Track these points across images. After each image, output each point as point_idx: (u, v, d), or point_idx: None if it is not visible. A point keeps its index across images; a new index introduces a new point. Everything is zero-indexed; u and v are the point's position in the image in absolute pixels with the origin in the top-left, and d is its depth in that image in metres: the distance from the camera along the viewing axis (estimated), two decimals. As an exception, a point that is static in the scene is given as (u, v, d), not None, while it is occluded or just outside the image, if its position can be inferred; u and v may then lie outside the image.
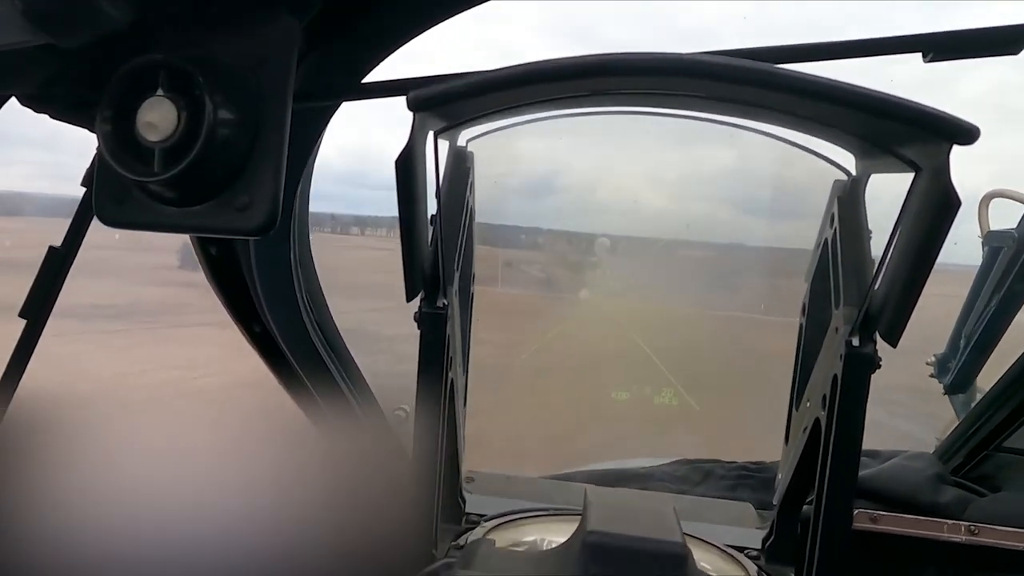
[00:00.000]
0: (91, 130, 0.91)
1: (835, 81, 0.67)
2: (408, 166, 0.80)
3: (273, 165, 0.80)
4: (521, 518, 1.20)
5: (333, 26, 0.98)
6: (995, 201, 1.61)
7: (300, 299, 1.38)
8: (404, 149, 0.80)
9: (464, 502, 1.26)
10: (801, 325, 1.14)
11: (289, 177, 1.15)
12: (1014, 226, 1.55)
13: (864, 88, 0.68)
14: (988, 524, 1.31)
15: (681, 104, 0.85)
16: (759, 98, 0.75)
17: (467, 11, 0.98)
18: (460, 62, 1.02)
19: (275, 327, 1.39)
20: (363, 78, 1.02)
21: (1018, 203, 1.53)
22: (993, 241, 1.60)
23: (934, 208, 0.74)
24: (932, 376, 1.93)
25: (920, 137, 0.73)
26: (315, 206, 1.34)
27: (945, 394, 1.88)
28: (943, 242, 0.75)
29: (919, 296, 0.79)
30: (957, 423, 1.80)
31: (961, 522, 1.28)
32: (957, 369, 1.78)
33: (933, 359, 1.91)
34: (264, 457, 0.44)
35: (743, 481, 1.67)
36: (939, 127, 0.68)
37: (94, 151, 0.98)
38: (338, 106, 1.09)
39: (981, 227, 1.64)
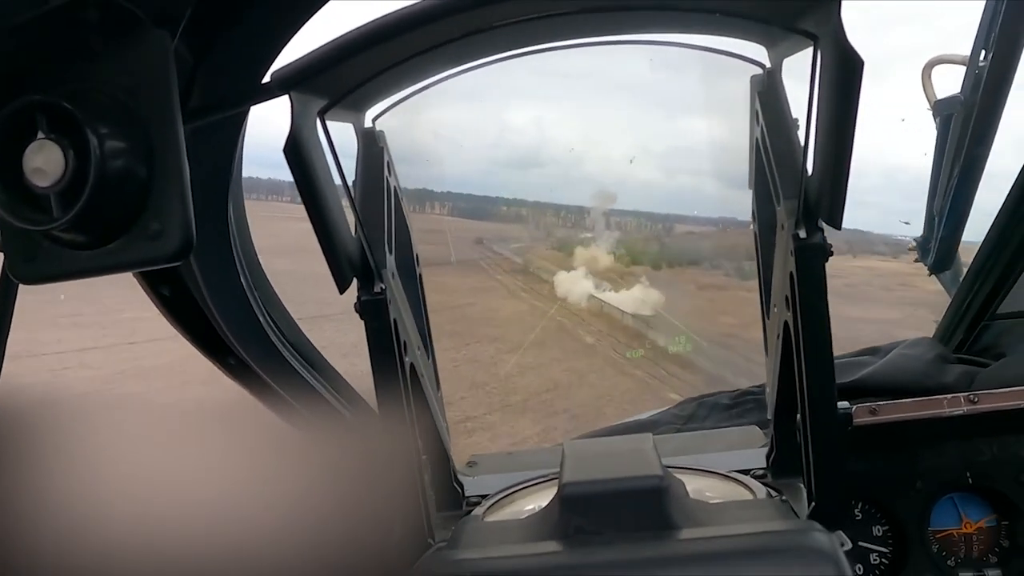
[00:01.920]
0: None
1: None
2: (298, 154, 0.77)
3: (177, 186, 0.78)
4: (519, 490, 1.18)
5: (216, 31, 0.94)
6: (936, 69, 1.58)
7: (264, 322, 1.36)
8: (288, 137, 0.77)
9: (462, 486, 1.24)
10: (754, 233, 1.12)
11: (214, 196, 1.13)
12: (958, 91, 1.52)
13: None
14: (987, 390, 1.29)
15: (577, 28, 0.82)
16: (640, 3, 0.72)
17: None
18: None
19: (247, 355, 1.36)
20: (263, 78, 0.99)
21: (959, 66, 1.50)
22: (943, 109, 1.57)
23: (839, 73, 0.72)
24: (916, 261, 1.91)
25: (810, 6, 0.71)
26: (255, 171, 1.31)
27: (930, 274, 1.86)
28: (857, 105, 0.72)
29: (849, 171, 0.76)
30: (950, 301, 1.79)
31: (960, 394, 1.26)
32: (936, 247, 1.76)
33: (913, 243, 1.89)
34: (256, 466, 0.43)
35: (746, 405, 1.65)
36: None
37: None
38: (246, 113, 1.06)
39: (928, 98, 1.61)
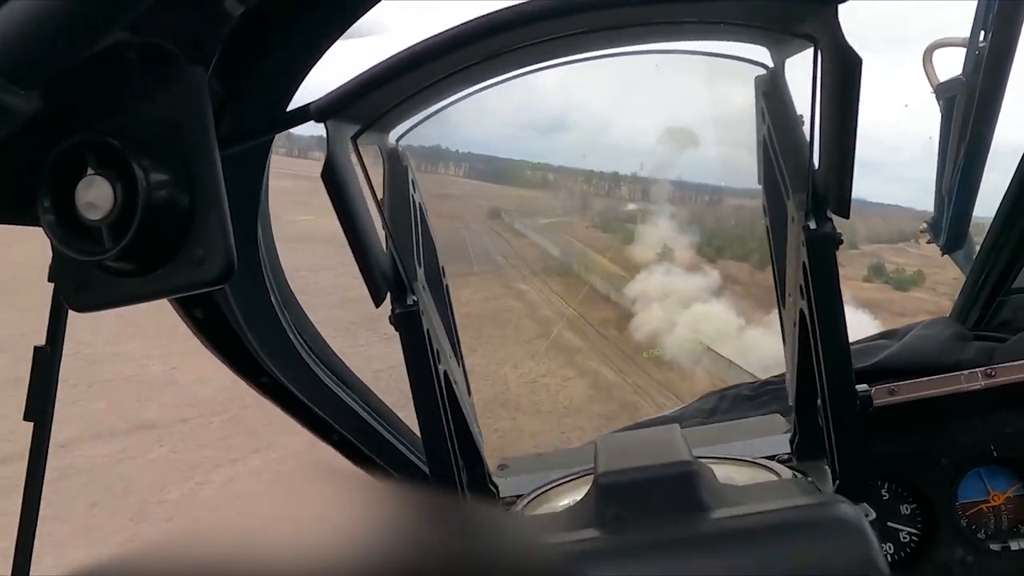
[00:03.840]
0: (34, 225, 0.94)
1: None
2: (335, 178, 0.81)
3: (217, 213, 0.82)
4: (553, 487, 1.21)
5: (243, 63, 0.99)
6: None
7: (295, 340, 1.40)
8: (326, 163, 0.81)
9: (496, 488, 1.28)
10: (767, 227, 1.15)
11: (244, 222, 1.17)
12: (960, 72, 1.55)
13: None
14: (1003, 364, 1.31)
15: (589, 43, 0.86)
16: (654, 14, 0.76)
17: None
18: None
19: (280, 374, 1.40)
20: (287, 107, 1.04)
21: (959, 48, 1.52)
22: (946, 92, 1.60)
23: (840, 71, 0.75)
24: (929, 243, 1.93)
25: (808, 10, 0.74)
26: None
27: (943, 255, 1.88)
28: (858, 101, 0.76)
29: (853, 162, 0.80)
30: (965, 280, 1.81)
31: (977, 369, 1.28)
32: (947, 227, 1.78)
33: (925, 226, 1.91)
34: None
35: (767, 395, 1.68)
36: None
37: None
38: (271, 142, 1.10)
39: (930, 81, 1.63)
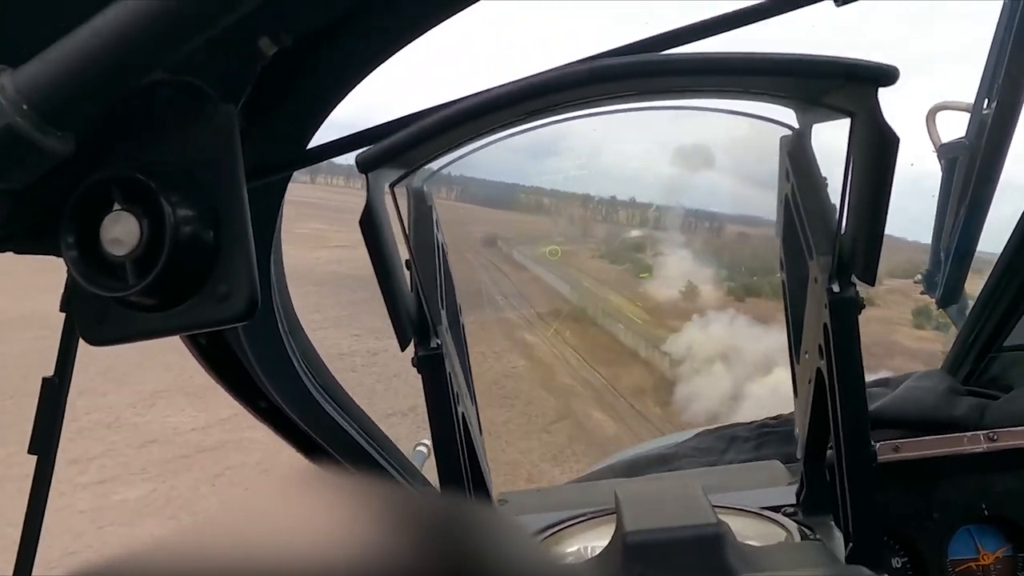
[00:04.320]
0: (55, 255, 0.93)
1: (764, 55, 0.70)
2: (373, 224, 0.81)
3: (243, 249, 0.82)
4: (560, 529, 1.21)
5: (270, 99, 0.99)
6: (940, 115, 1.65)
7: (298, 367, 1.39)
8: (365, 209, 0.81)
9: None
10: (783, 281, 1.16)
11: (259, 253, 1.16)
12: (963, 135, 1.58)
13: (789, 55, 0.71)
14: (1005, 427, 1.33)
15: (617, 102, 0.88)
16: (698, 83, 0.77)
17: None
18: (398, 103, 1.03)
19: (281, 399, 1.40)
20: (308, 144, 1.04)
21: (963, 112, 1.56)
22: (948, 153, 1.63)
23: (876, 148, 0.77)
24: (922, 293, 1.97)
25: (846, 86, 0.76)
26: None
27: (938, 308, 1.91)
28: (893, 176, 0.77)
29: (884, 232, 0.81)
30: (957, 334, 1.84)
31: (980, 431, 1.30)
32: (943, 282, 1.82)
33: (919, 277, 1.94)
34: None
35: (766, 439, 1.69)
36: (860, 74, 0.71)
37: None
38: (289, 178, 1.10)
39: (933, 142, 1.67)
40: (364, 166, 0.76)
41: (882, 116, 0.75)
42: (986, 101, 1.48)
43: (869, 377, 1.85)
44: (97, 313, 0.84)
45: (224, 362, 1.33)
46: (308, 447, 1.56)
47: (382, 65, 1.00)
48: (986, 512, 1.45)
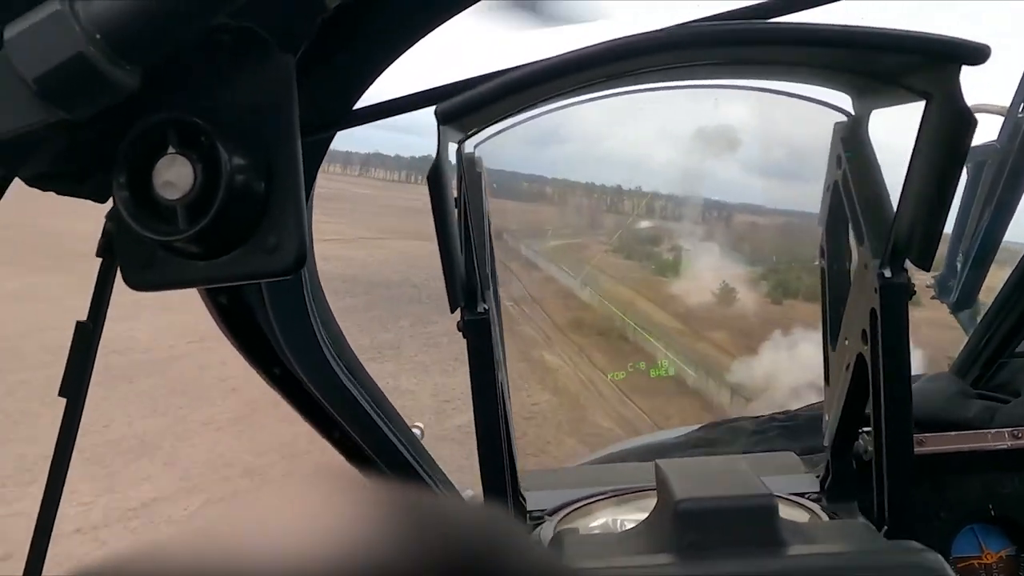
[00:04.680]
0: (98, 201, 0.91)
1: (836, 26, 0.69)
2: (439, 179, 0.80)
3: (294, 202, 0.81)
4: (584, 505, 1.21)
5: (320, 57, 0.98)
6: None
7: (319, 336, 1.38)
8: (434, 164, 0.80)
9: (525, 500, 1.27)
10: (822, 269, 1.16)
11: (296, 213, 1.15)
12: (994, 138, 1.59)
13: (864, 27, 0.70)
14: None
15: (686, 73, 0.87)
16: (764, 55, 0.77)
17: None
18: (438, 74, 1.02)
19: (297, 367, 1.39)
20: (355, 104, 1.03)
21: (997, 116, 1.57)
22: (977, 156, 1.64)
23: (951, 131, 0.77)
24: (933, 298, 1.98)
25: (929, 65, 0.75)
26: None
27: (951, 312, 1.93)
28: (964, 162, 0.77)
29: (946, 219, 0.81)
30: (967, 338, 1.85)
31: (1004, 428, 1.32)
32: (959, 286, 1.83)
33: (932, 281, 1.95)
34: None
35: (778, 432, 1.69)
36: (949, 52, 0.71)
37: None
38: (332, 138, 1.09)
39: (962, 144, 1.67)
40: (444, 117, 0.75)
41: (962, 97, 0.74)
42: (1022, 105, 1.48)
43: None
44: (142, 257, 0.83)
45: (243, 323, 1.31)
46: (320, 419, 1.55)
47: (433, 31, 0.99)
48: (992, 512, 1.46)
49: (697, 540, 0.88)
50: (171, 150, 0.76)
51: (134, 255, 0.82)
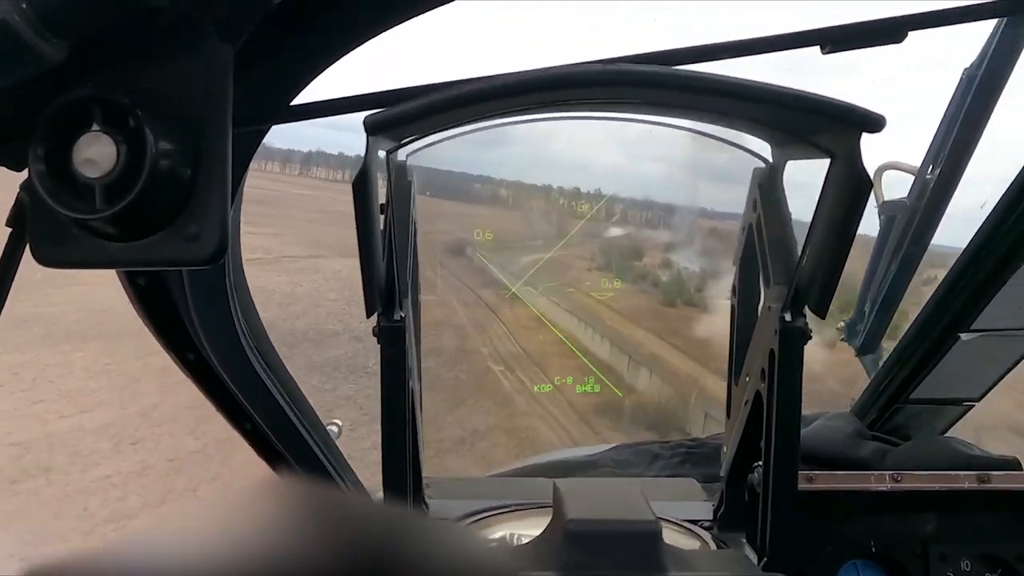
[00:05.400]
0: (14, 169, 0.89)
1: (755, 82, 0.73)
2: (365, 186, 0.81)
3: (220, 192, 0.81)
4: (485, 517, 1.22)
5: (261, 49, 0.97)
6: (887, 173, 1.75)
7: (237, 325, 1.36)
8: (360, 171, 0.81)
9: (428, 508, 1.28)
10: (733, 306, 1.21)
11: (223, 203, 1.14)
12: (905, 195, 1.69)
13: (779, 86, 0.74)
14: (908, 471, 1.43)
15: (618, 107, 0.90)
16: (687, 100, 0.80)
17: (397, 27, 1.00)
18: (391, 78, 1.03)
19: (212, 354, 1.37)
20: (292, 100, 1.02)
21: (908, 174, 1.66)
22: (888, 211, 1.74)
23: (849, 190, 0.82)
24: (842, 340, 2.07)
25: (832, 127, 0.80)
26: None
27: (856, 356, 2.02)
28: (859, 220, 0.82)
29: (842, 271, 0.86)
30: (869, 381, 1.95)
31: (886, 471, 1.39)
32: (865, 332, 1.92)
33: (842, 324, 2.05)
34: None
35: (684, 458, 1.75)
36: (849, 118, 0.75)
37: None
38: (266, 131, 1.08)
39: (877, 198, 1.77)
40: (373, 128, 0.76)
41: (861, 161, 0.79)
42: (931, 167, 1.58)
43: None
44: (54, 233, 0.81)
45: (159, 305, 1.29)
46: (231, 409, 1.52)
47: (381, 34, 1.00)
48: (874, 549, 1.54)
49: (583, 561, 0.91)
50: (95, 127, 0.75)
51: (46, 229, 0.80)
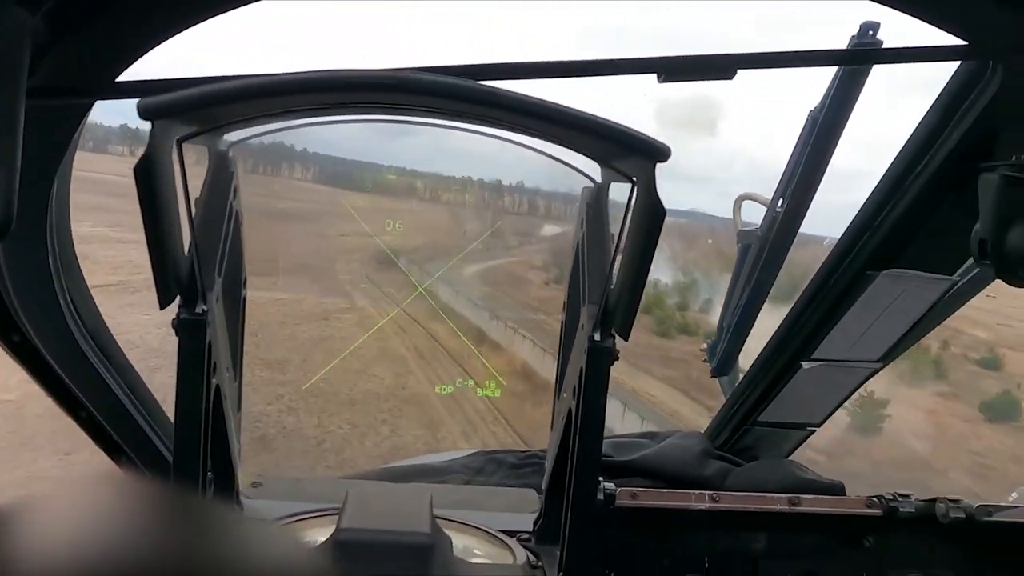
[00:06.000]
0: None
1: (570, 109, 0.74)
2: (149, 174, 0.78)
3: (6, 164, 0.76)
4: (301, 520, 1.20)
5: (82, 19, 0.93)
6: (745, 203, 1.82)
7: (64, 305, 1.29)
8: (143, 157, 0.78)
9: (242, 509, 1.24)
10: (562, 322, 1.23)
11: (40, 174, 1.08)
12: (758, 226, 1.76)
13: (580, 112, 0.75)
14: (733, 491, 1.48)
15: (437, 115, 0.90)
16: (486, 114, 0.81)
17: (231, 11, 0.97)
18: (229, 63, 1.00)
19: (36, 336, 1.29)
20: (118, 76, 0.98)
21: (762, 206, 1.73)
22: (743, 239, 1.80)
23: (647, 216, 0.84)
24: (705, 361, 2.14)
25: (630, 155, 0.82)
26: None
27: (712, 376, 2.09)
28: (655, 246, 0.85)
29: (642, 295, 0.88)
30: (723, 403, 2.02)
31: (706, 492, 1.44)
32: (720, 354, 1.99)
33: (705, 346, 2.11)
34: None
35: (531, 467, 1.77)
36: (640, 147, 0.77)
37: None
38: (91, 106, 1.03)
39: (736, 225, 1.84)
40: (147, 113, 0.73)
41: (655, 189, 0.82)
42: (780, 200, 1.65)
43: (639, 429, 2.00)
44: None
45: None
46: (63, 396, 1.45)
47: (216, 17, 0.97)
48: (707, 565, 1.59)
49: (350, 570, 0.90)
50: None
51: None
